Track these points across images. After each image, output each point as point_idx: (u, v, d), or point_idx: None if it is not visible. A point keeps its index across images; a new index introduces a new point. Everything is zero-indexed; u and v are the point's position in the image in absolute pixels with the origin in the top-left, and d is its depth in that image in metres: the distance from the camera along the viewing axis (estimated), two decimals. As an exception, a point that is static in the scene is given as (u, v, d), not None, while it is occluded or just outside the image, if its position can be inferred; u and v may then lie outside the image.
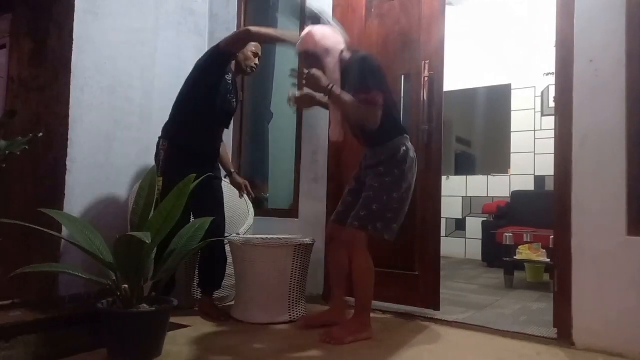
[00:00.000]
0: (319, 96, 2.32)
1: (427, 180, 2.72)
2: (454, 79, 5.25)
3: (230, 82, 2.70)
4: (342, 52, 2.27)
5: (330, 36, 2.25)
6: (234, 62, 2.73)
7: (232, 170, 2.95)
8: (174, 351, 1.98)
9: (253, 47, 2.73)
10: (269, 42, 2.75)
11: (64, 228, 2.08)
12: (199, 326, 2.40)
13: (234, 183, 2.95)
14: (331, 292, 2.42)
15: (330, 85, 2.14)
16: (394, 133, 2.24)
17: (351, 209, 2.24)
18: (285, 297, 2.51)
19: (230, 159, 3.09)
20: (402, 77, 2.88)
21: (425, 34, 2.77)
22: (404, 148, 2.23)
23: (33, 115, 2.76)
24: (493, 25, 5.59)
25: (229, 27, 3.62)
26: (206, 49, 3.54)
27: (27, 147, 1.86)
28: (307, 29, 2.27)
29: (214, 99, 2.61)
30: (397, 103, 2.34)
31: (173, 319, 2.17)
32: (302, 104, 2.44)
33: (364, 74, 2.15)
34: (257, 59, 2.78)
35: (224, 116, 2.75)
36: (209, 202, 2.58)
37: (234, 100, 2.77)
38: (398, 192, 2.18)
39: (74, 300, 2.53)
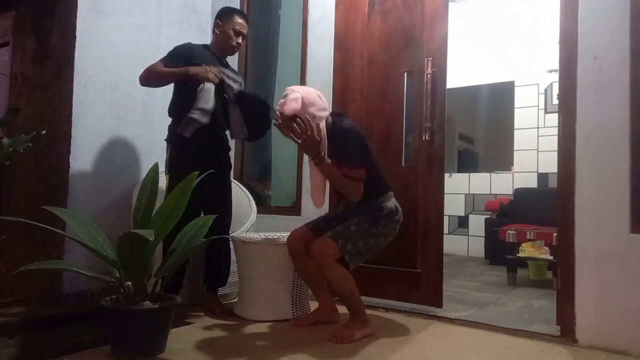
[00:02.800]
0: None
1: (430, 177, 2.71)
2: (457, 76, 5.23)
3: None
4: (327, 118, 2.24)
5: (316, 102, 2.18)
6: (216, 42, 2.67)
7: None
8: (178, 348, 1.99)
9: (237, 25, 2.63)
10: (167, 81, 2.58)
11: (67, 225, 2.09)
12: (203, 323, 2.41)
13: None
14: (315, 295, 2.47)
15: (323, 154, 2.15)
16: (376, 193, 2.26)
17: (325, 228, 2.28)
18: (288, 294, 2.52)
19: None
20: (405, 74, 2.87)
21: (428, 31, 2.76)
22: (389, 204, 2.29)
23: (36, 113, 2.77)
24: (496, 22, 5.56)
25: (231, 24, 3.62)
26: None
27: (30, 145, 1.86)
28: (294, 92, 2.18)
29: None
30: (377, 164, 2.34)
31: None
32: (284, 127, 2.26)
33: (348, 147, 2.18)
34: (240, 38, 2.66)
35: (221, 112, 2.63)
36: (215, 199, 2.58)
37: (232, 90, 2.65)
38: (378, 231, 2.23)
39: (77, 297, 2.54)
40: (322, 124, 2.18)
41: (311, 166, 2.29)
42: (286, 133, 2.22)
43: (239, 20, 2.66)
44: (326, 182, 2.34)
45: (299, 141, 2.15)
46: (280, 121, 2.21)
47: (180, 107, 2.55)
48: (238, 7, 3.59)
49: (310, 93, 2.21)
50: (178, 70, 2.46)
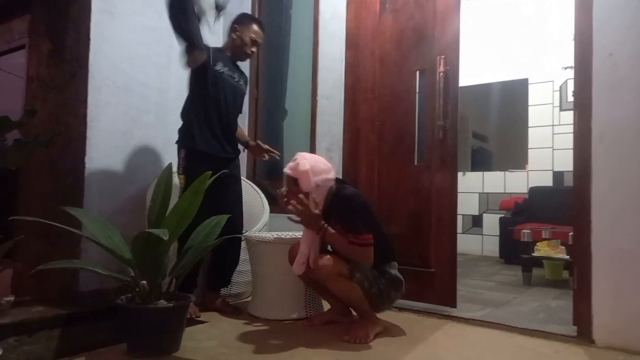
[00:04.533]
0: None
1: (443, 176, 2.70)
2: (470, 74, 5.19)
3: (221, 71, 2.61)
4: (331, 187, 2.23)
5: (322, 172, 2.19)
6: (231, 46, 2.70)
7: (248, 141, 2.89)
8: (192, 346, 2.00)
9: (252, 34, 2.66)
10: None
11: (83, 225, 2.12)
12: (216, 322, 2.43)
13: (254, 151, 2.90)
14: (324, 298, 2.50)
15: (325, 226, 2.13)
16: (381, 258, 2.20)
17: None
18: (302, 293, 2.52)
19: (246, 134, 3.05)
20: (417, 72, 2.85)
21: (440, 28, 2.74)
22: (393, 272, 2.27)
23: (52, 115, 2.80)
24: (509, 19, 5.50)
25: (243, 24, 3.63)
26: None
27: (47, 146, 1.89)
28: (302, 162, 2.18)
29: (213, 96, 2.58)
30: (384, 231, 2.30)
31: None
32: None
33: (354, 216, 2.15)
34: (254, 47, 2.70)
35: (231, 105, 2.69)
36: (226, 200, 2.61)
37: (239, 83, 2.74)
38: (381, 284, 2.20)
39: (93, 296, 2.57)
40: (320, 193, 2.17)
41: (304, 230, 2.25)
42: (286, 208, 2.23)
43: (256, 28, 2.69)
44: (312, 252, 2.24)
45: (299, 219, 2.16)
46: (285, 193, 2.22)
47: (194, 112, 2.57)
48: (250, 8, 3.61)
49: (318, 162, 2.22)
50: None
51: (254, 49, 2.72)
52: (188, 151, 2.56)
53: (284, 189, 2.26)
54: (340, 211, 2.18)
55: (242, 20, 2.71)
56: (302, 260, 2.22)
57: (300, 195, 2.11)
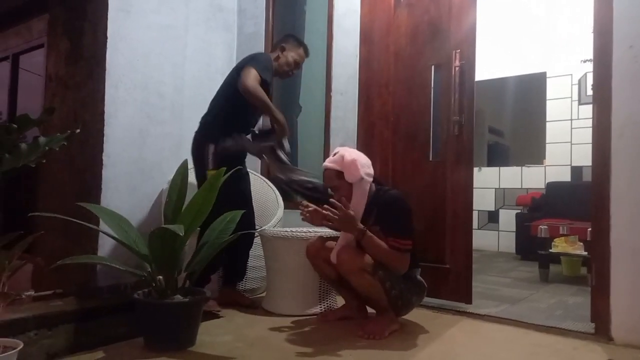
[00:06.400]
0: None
1: (458, 172, 2.67)
2: (487, 68, 5.13)
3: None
4: (372, 184, 2.20)
5: (365, 164, 2.16)
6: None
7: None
8: (208, 341, 2.02)
9: (298, 56, 2.72)
10: (262, 111, 2.64)
11: (101, 221, 2.15)
12: (232, 317, 2.45)
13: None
14: (339, 295, 2.50)
15: (364, 229, 2.06)
16: (410, 264, 2.17)
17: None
18: (316, 288, 2.53)
19: None
20: (433, 67, 2.83)
21: (455, 22, 2.71)
22: (419, 277, 2.27)
23: (70, 112, 2.84)
24: (527, 11, 5.42)
25: (257, 22, 3.64)
26: (235, 45, 3.60)
27: (65, 144, 1.91)
28: (347, 153, 2.14)
29: (248, 110, 2.65)
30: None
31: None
32: (314, 219, 2.21)
33: (400, 218, 2.11)
34: (296, 69, 2.77)
35: (257, 118, 2.82)
36: (246, 193, 2.67)
37: None
38: (405, 287, 2.16)
39: (111, 291, 2.61)
40: (362, 189, 2.13)
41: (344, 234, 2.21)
42: (316, 222, 2.19)
43: (302, 52, 2.75)
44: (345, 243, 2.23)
45: (335, 224, 2.10)
46: (307, 214, 2.19)
47: (228, 112, 2.59)
48: (264, 5, 3.62)
49: (361, 156, 2.20)
50: (272, 108, 2.50)
51: (294, 71, 2.77)
52: (219, 152, 2.55)
53: (303, 202, 2.23)
54: (384, 211, 2.13)
55: (289, 41, 2.76)
56: (338, 249, 2.21)
57: (332, 200, 2.05)
